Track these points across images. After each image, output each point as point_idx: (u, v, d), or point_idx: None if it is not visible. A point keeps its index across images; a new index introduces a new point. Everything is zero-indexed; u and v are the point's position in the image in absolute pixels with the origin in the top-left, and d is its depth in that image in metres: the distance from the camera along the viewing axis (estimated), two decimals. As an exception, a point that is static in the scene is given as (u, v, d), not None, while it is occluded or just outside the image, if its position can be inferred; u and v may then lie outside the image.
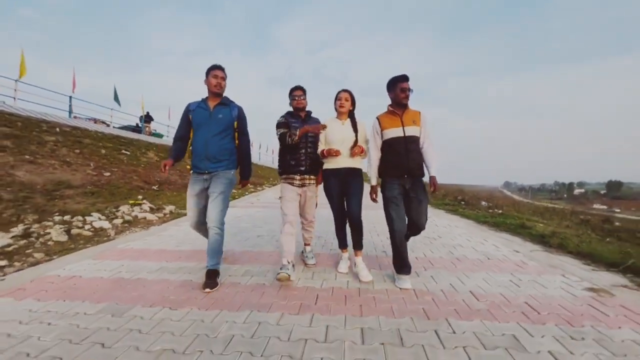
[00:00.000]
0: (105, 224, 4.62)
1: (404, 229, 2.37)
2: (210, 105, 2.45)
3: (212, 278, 2.27)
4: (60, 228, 4.21)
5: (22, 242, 3.69)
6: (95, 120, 12.93)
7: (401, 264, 2.35)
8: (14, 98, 9.36)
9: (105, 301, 2.00)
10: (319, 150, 2.57)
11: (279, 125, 2.61)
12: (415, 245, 3.45)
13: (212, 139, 2.38)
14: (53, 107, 10.81)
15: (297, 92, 2.64)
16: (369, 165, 2.57)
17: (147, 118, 15.41)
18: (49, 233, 4.02)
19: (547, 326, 1.73)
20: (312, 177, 2.67)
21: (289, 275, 2.27)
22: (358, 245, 2.59)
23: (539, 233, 3.80)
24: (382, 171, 2.53)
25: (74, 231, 4.21)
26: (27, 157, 6.64)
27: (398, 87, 2.40)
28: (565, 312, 1.91)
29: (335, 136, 2.52)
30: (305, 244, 2.93)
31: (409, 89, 2.39)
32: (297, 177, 2.60)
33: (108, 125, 13.54)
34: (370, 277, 2.46)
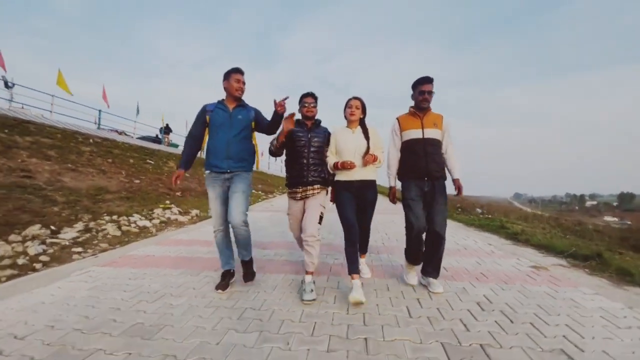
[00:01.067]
0: (147, 223, 5.53)
1: (422, 226, 2.33)
2: (229, 107, 2.48)
3: (249, 268, 2.58)
4: (113, 225, 5.12)
5: (87, 235, 4.59)
6: (119, 132, 14.09)
7: (413, 258, 2.46)
8: (51, 112, 10.52)
9: (181, 268, 2.88)
10: (331, 163, 2.46)
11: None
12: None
13: (233, 139, 2.41)
14: (76, 117, 11.95)
15: (307, 99, 2.54)
16: (388, 165, 2.58)
17: (167, 129, 16.64)
18: (105, 229, 4.93)
19: (488, 284, 2.56)
20: (315, 187, 2.49)
21: (314, 299, 2.24)
22: (363, 249, 2.73)
23: (512, 232, 4.60)
24: (400, 173, 2.53)
25: (124, 228, 5.11)
26: (69, 165, 7.64)
27: (418, 89, 2.42)
28: (505, 277, 2.74)
29: (347, 145, 2.43)
30: (306, 272, 2.39)
31: (429, 92, 2.39)
32: (299, 189, 2.49)
33: (129, 136, 14.68)
34: (370, 275, 2.73)
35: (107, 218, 5.54)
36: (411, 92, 2.52)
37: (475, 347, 1.63)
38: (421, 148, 2.38)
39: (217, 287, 2.38)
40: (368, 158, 2.34)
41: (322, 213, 2.48)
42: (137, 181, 8.56)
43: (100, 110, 12.30)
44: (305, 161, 2.48)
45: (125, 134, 14.96)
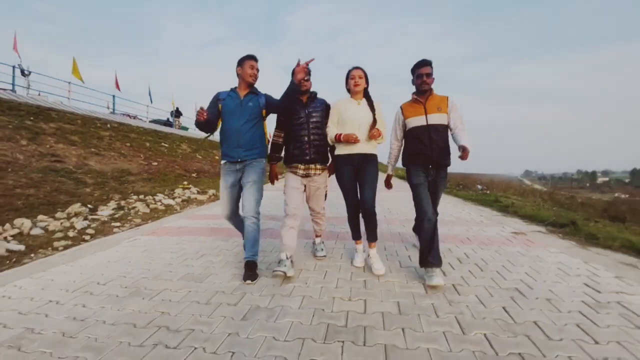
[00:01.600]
0: (171, 202, 6.12)
1: (431, 211, 2.32)
2: (240, 94, 2.48)
3: (252, 270, 2.32)
4: (142, 204, 5.72)
5: (121, 212, 5.19)
6: (131, 116, 14.65)
7: (428, 253, 2.20)
8: (68, 98, 11.05)
9: (213, 236, 3.45)
10: (332, 135, 2.39)
11: None
12: (409, 213, 4.77)
13: (243, 127, 2.39)
14: (89, 102, 12.46)
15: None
16: (389, 155, 2.66)
17: (177, 113, 17.13)
18: (136, 207, 5.52)
19: (470, 245, 3.07)
20: (317, 166, 2.51)
21: (285, 273, 2.20)
22: (372, 237, 2.47)
23: (504, 204, 5.06)
24: (406, 160, 2.53)
25: (152, 206, 5.71)
26: (93, 149, 8.22)
27: (416, 73, 2.40)
28: (487, 241, 3.23)
29: (351, 116, 2.36)
30: (316, 236, 2.84)
31: (427, 74, 2.35)
32: (301, 166, 2.50)
33: (141, 120, 15.20)
34: (384, 270, 2.38)
35: (134, 197, 6.14)
36: (411, 78, 2.49)
37: (449, 287, 2.15)
38: (426, 135, 2.35)
39: (247, 278, 2.26)
40: (375, 132, 2.29)
41: (326, 192, 2.67)
42: (155, 163, 9.14)
43: (114, 96, 12.83)
44: (306, 138, 2.46)
45: (138, 118, 15.49)
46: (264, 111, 2.52)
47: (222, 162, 2.53)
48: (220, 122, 2.52)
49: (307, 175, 2.51)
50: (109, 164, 7.90)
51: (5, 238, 3.61)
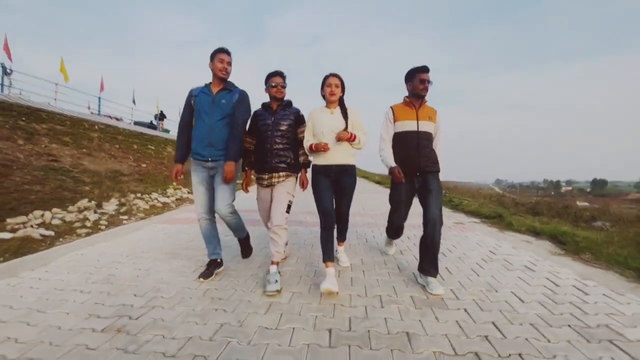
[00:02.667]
0: (167, 200, 6.82)
1: (402, 224, 2.68)
2: (213, 91, 2.42)
3: (246, 245, 2.87)
4: (141, 201, 6.38)
5: (124, 208, 5.85)
6: (118, 118, 14.93)
7: (393, 236, 2.92)
8: (55, 99, 11.32)
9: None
10: (307, 145, 2.37)
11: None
12: (373, 212, 5.78)
13: (216, 125, 2.35)
14: (72, 103, 12.71)
15: (276, 79, 2.45)
16: (383, 149, 2.50)
17: (161, 116, 17.52)
18: (136, 203, 6.19)
19: (413, 231, 4.08)
20: (281, 174, 2.42)
21: (278, 290, 2.14)
22: (342, 237, 2.72)
23: (455, 203, 6.22)
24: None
25: (150, 203, 6.39)
26: (84, 150, 8.70)
27: (417, 78, 2.37)
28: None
29: (323, 127, 2.34)
30: (271, 262, 2.33)
31: (429, 81, 2.36)
32: (265, 176, 2.45)
33: (120, 121, 15.50)
34: (348, 263, 2.72)
35: (132, 196, 6.78)
36: (404, 81, 2.48)
37: (391, 257, 3.12)
38: (414, 141, 2.36)
39: (200, 276, 2.38)
40: (342, 134, 2.26)
41: (290, 202, 2.43)
42: (144, 165, 9.70)
43: (99, 98, 13.13)
44: (268, 146, 2.40)
45: (117, 119, 15.75)
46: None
47: (192, 158, 2.47)
48: (194, 120, 2.45)
49: (270, 185, 2.45)
50: (101, 164, 8.43)
51: (31, 226, 4.25)
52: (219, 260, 2.55)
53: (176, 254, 2.99)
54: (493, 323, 1.80)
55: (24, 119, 8.49)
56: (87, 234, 4.13)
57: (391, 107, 2.53)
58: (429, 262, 2.25)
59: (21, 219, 4.35)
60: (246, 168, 2.69)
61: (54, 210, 4.99)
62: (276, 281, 2.19)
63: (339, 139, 2.30)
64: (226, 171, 2.29)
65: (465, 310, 1.96)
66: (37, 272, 2.50)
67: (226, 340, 1.61)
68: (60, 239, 3.87)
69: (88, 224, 4.60)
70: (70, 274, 2.48)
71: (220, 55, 2.39)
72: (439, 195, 2.37)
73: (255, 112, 2.55)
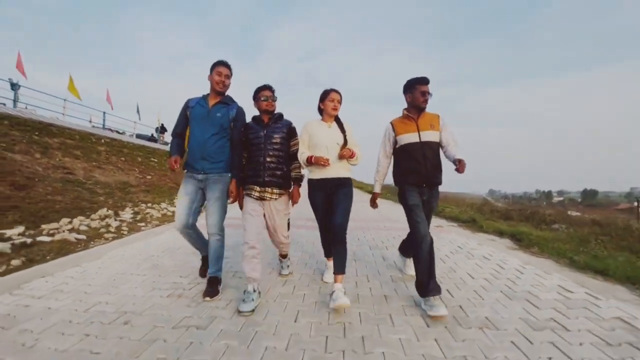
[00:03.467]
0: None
1: (428, 234, 2.29)
2: (210, 103, 2.43)
3: (213, 286, 2.38)
4: (153, 210, 7.03)
5: (139, 216, 6.50)
6: (112, 130, 15.55)
7: (428, 281, 2.14)
8: (63, 114, 11.96)
9: (232, 227, 4.96)
10: (304, 158, 2.36)
11: None
12: (363, 218, 6.52)
13: (210, 139, 2.37)
14: (75, 117, 13.34)
15: (266, 92, 2.44)
16: (376, 172, 2.63)
17: (162, 129, 18.18)
18: (149, 212, 6.83)
19: (399, 232, 4.83)
20: (274, 190, 2.40)
21: (252, 310, 2.12)
22: (340, 268, 2.26)
23: (438, 211, 7.01)
24: (399, 178, 2.52)
25: (161, 212, 7.03)
26: (94, 163, 9.33)
27: (418, 90, 2.38)
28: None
29: (322, 140, 2.39)
30: (281, 255, 2.85)
31: (429, 93, 2.38)
32: (257, 188, 2.39)
33: (122, 134, 16.15)
34: (348, 301, 2.10)
35: (143, 205, 7.42)
36: (403, 92, 2.49)
37: (378, 251, 3.86)
38: (420, 153, 2.37)
39: (201, 275, 2.73)
40: (345, 152, 2.33)
41: (288, 220, 2.58)
42: (149, 177, 10.35)
43: (104, 112, 13.80)
44: (261, 159, 2.36)
45: (118, 132, 16.40)
46: (231, 124, 2.47)
47: (185, 170, 2.49)
48: (189, 132, 2.48)
49: (262, 199, 2.40)
50: (110, 176, 9.06)
51: (63, 231, 4.88)
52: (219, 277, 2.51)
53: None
54: (447, 290, 2.53)
55: (37, 133, 9.14)
56: (114, 238, 4.77)
57: (391, 123, 2.56)
58: (431, 278, 2.19)
59: (54, 225, 4.98)
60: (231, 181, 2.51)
61: (80, 217, 5.62)
62: (287, 266, 2.88)
63: (342, 156, 2.37)
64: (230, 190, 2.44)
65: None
66: (95, 264, 3.16)
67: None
68: (92, 242, 4.51)
69: (112, 229, 5.24)
70: (122, 264, 3.15)
71: (218, 68, 2.42)
72: (433, 211, 2.57)
73: (247, 124, 2.51)
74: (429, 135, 2.40)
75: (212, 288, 2.38)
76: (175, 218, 2.45)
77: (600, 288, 2.63)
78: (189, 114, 2.46)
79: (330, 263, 2.61)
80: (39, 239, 4.19)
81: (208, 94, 2.50)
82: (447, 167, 2.46)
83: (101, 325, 1.92)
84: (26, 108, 12.31)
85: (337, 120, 2.52)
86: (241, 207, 2.49)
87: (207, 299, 2.30)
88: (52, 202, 6.08)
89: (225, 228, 2.50)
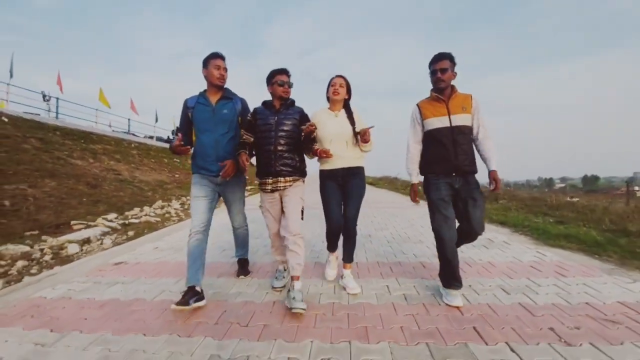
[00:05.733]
0: (210, 200, 9.20)
1: (454, 237, 2.13)
2: (211, 100, 2.35)
3: (244, 266, 2.82)
4: (193, 201, 8.75)
5: (185, 206, 8.20)
6: (145, 136, 17.19)
7: (451, 277, 2.14)
8: (95, 122, 13.63)
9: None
10: (312, 150, 2.32)
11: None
12: (382, 207, 8.26)
13: (222, 139, 2.30)
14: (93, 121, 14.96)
15: (282, 77, 2.30)
16: (408, 159, 2.39)
17: (178, 131, 19.63)
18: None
19: (406, 212, 6.56)
20: (287, 178, 2.29)
21: (284, 286, 2.50)
22: (348, 258, 2.47)
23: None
24: (423, 168, 2.33)
25: (200, 203, 8.76)
26: (133, 165, 11.04)
27: (430, 69, 2.23)
28: (415, 215, 6.78)
29: (327, 131, 2.34)
30: (292, 277, 2.22)
31: (442, 69, 2.16)
32: (269, 180, 2.30)
33: (137, 136, 17.82)
34: (359, 289, 2.37)
35: (184, 198, 9.12)
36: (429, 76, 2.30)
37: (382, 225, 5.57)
38: (449, 138, 2.17)
39: (177, 304, 2.01)
40: (366, 136, 2.30)
41: (302, 207, 2.36)
42: (177, 175, 12.07)
43: (129, 119, 15.46)
44: (272, 148, 2.26)
45: (134, 135, 18.06)
46: (239, 118, 2.43)
47: (194, 174, 2.41)
48: (195, 134, 2.40)
49: (275, 190, 2.31)
50: (148, 175, 10.78)
51: (142, 216, 6.60)
52: (198, 289, 2.16)
53: (260, 226, 5.39)
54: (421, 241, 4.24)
55: (82, 141, 10.83)
56: (179, 220, 6.49)
57: (417, 105, 2.36)
58: (454, 272, 2.16)
59: (133, 212, 6.71)
60: (240, 152, 2.31)
61: (145, 207, 7.35)
62: (301, 300, 2.08)
63: (365, 141, 2.34)
64: (227, 167, 2.25)
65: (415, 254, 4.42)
66: (180, 234, 4.83)
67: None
68: (165, 223, 6.22)
69: (172, 215, 6.96)
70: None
71: (215, 61, 2.31)
72: (481, 203, 2.18)
73: (255, 109, 2.40)
74: (460, 119, 2.20)
75: (244, 268, 2.81)
76: (193, 220, 2.31)
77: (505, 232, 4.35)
78: (191, 115, 2.37)
79: (332, 257, 2.70)
80: (129, 221, 5.93)
81: (205, 91, 2.40)
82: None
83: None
84: (57, 118, 13.96)
85: (347, 108, 2.48)
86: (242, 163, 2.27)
87: (242, 277, 2.72)
88: (118, 197, 7.81)
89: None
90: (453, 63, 2.20)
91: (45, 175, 7.11)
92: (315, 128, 2.21)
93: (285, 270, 2.56)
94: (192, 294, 2.11)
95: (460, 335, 1.79)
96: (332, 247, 2.66)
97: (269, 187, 2.32)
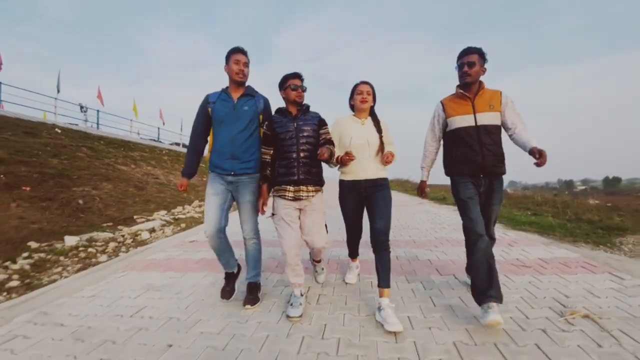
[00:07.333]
0: (237, 201, 10.52)
1: (483, 231, 2.04)
2: (233, 97, 2.34)
3: (253, 292, 2.37)
4: (223, 202, 10.06)
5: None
6: (161, 141, 18.83)
7: (488, 286, 1.88)
8: (130, 131, 15.24)
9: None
10: (335, 157, 2.22)
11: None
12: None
13: (239, 136, 2.27)
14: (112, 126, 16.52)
15: (295, 81, 2.27)
16: (424, 157, 2.41)
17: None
18: (221, 203, 9.85)
19: (414, 207, 7.66)
20: (309, 187, 2.24)
21: (301, 315, 2.12)
22: (384, 282, 2.09)
23: (440, 197, 9.79)
24: (450, 168, 2.29)
25: (229, 203, 10.07)
26: (167, 170, 12.44)
27: (458, 63, 2.15)
28: (423, 212, 7.89)
29: (355, 140, 2.27)
30: (315, 260, 2.66)
31: (469, 63, 2.08)
32: (290, 188, 2.22)
33: (178, 145, 19.40)
34: (401, 326, 1.87)
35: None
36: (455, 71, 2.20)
37: None
38: (474, 139, 2.10)
39: (223, 297, 2.41)
40: (389, 158, 2.21)
41: (325, 223, 2.36)
42: (205, 179, 13.43)
43: (159, 128, 17.07)
44: (295, 155, 2.21)
45: (161, 142, 19.68)
46: (261, 116, 2.39)
47: (210, 173, 2.41)
48: (213, 130, 2.39)
49: (297, 199, 2.24)
50: (168, 176, 12.14)
51: (186, 213, 7.91)
52: (235, 271, 2.48)
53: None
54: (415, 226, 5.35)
55: (122, 149, 12.33)
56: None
57: (441, 102, 2.31)
58: (492, 284, 1.91)
59: (177, 210, 8.04)
60: (260, 183, 2.39)
61: (186, 206, 8.67)
62: (323, 271, 2.70)
63: (387, 162, 2.25)
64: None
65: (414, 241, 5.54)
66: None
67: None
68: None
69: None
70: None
71: (235, 56, 2.30)
72: (499, 206, 2.23)
73: (271, 117, 2.38)
74: (487, 118, 2.12)
75: (253, 295, 2.36)
76: (206, 221, 2.32)
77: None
78: (211, 110, 2.35)
79: (354, 264, 2.67)
80: (177, 216, 7.24)
81: (227, 87, 2.41)
82: (512, 154, 2.20)
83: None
84: (92, 126, 15.57)
85: (373, 115, 2.40)
86: (261, 209, 2.41)
87: (248, 307, 2.27)
88: (161, 197, 9.15)
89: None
90: (483, 58, 2.14)
91: (102, 179, 8.51)
92: (331, 154, 2.13)
93: (302, 295, 2.27)
94: (233, 278, 2.52)
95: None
96: (353, 252, 2.69)
97: (290, 194, 2.23)
